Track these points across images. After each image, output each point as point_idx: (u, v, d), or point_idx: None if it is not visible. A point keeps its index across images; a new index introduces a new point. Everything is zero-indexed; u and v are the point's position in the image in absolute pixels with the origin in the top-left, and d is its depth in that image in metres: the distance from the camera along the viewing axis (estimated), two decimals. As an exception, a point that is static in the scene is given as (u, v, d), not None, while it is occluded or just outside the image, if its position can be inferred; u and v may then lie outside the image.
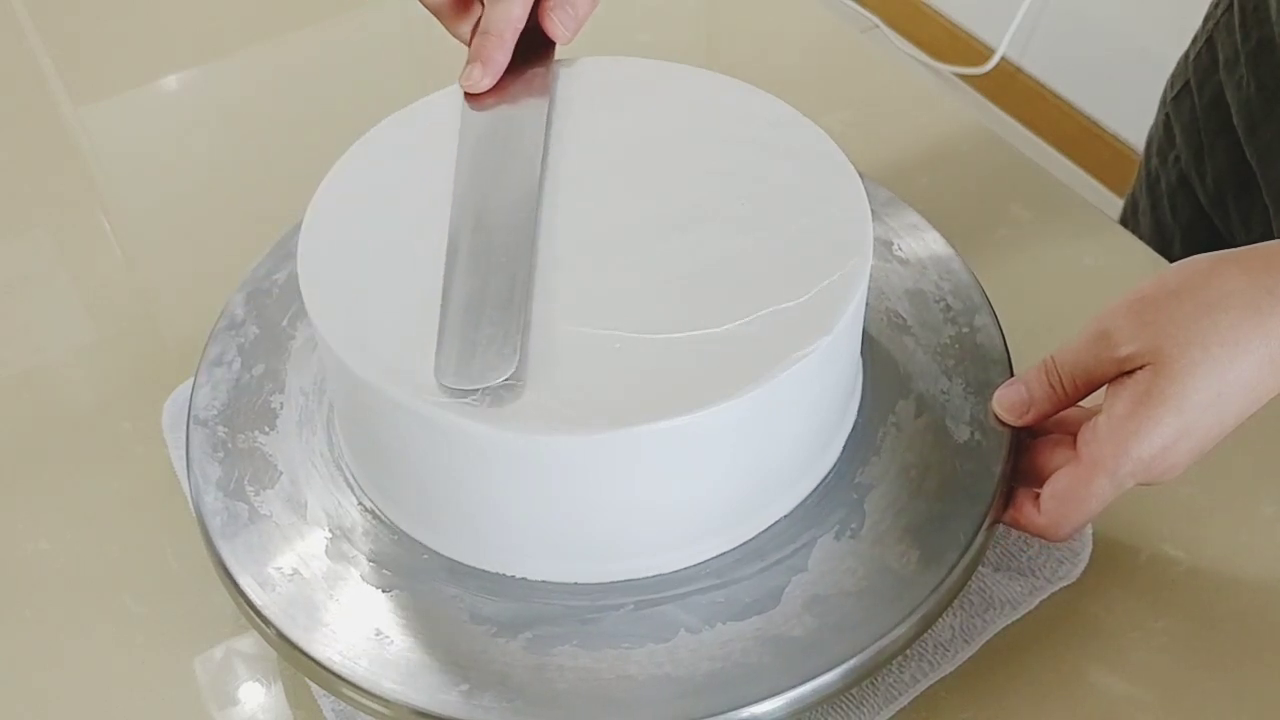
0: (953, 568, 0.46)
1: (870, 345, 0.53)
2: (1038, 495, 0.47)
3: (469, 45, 0.53)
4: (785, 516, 0.48)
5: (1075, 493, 0.45)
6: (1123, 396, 0.44)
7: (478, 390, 0.42)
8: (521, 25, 0.52)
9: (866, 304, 0.48)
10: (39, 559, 0.57)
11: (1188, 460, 0.45)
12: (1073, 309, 0.63)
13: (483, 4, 0.53)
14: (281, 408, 0.52)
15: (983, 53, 1.92)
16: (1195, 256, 0.46)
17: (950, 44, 1.98)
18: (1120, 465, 0.44)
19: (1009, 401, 0.49)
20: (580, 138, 0.51)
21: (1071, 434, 0.47)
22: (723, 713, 0.42)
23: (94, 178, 0.79)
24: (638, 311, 0.44)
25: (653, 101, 0.53)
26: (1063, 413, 0.48)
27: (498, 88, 0.52)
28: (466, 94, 0.52)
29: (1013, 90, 1.90)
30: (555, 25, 0.53)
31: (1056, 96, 1.85)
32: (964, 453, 0.49)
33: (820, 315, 0.44)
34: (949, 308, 0.54)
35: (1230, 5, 0.70)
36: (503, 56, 0.52)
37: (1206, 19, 0.73)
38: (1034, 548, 0.53)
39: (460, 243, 0.46)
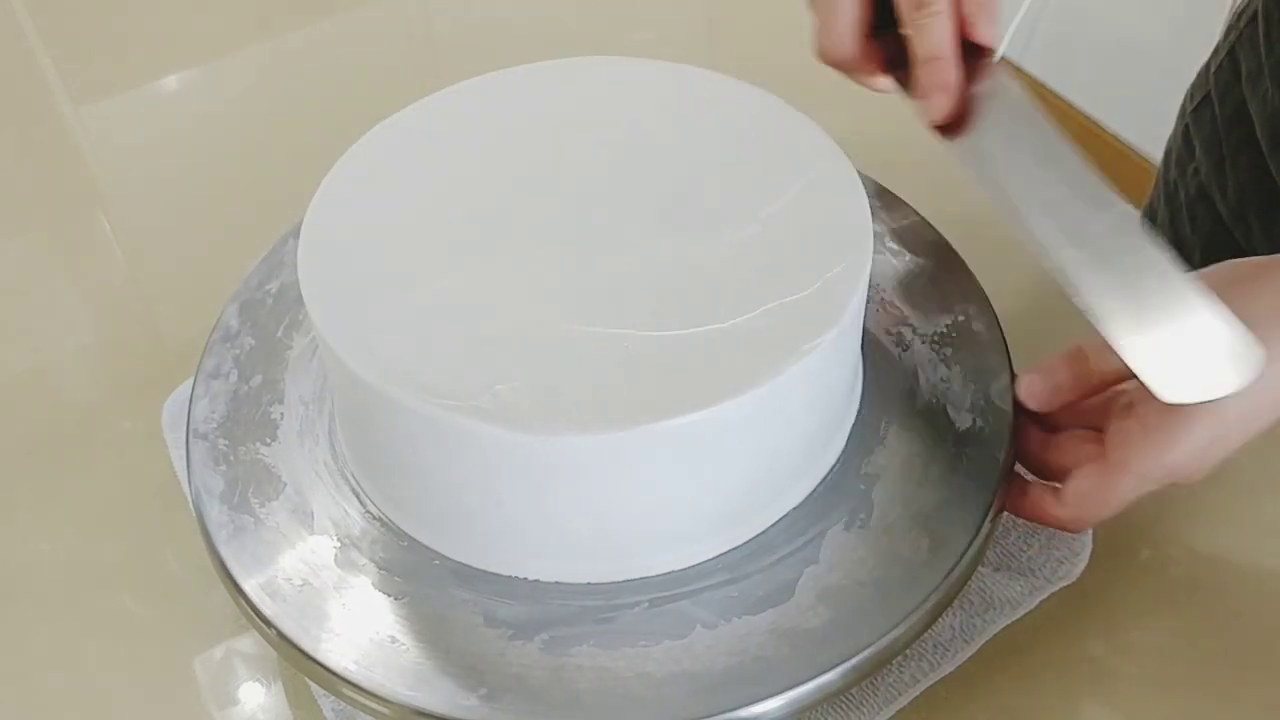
0: (963, 554, 0.46)
1: (869, 338, 0.53)
2: (1055, 489, 0.47)
3: (904, 89, 0.49)
4: (794, 509, 0.48)
5: (1101, 492, 0.45)
6: (1155, 402, 0.43)
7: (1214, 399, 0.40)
8: (957, 39, 0.48)
9: (866, 299, 0.48)
10: (39, 559, 0.57)
11: (1215, 463, 0.44)
12: (1072, 308, 0.63)
13: (876, 40, 0.50)
14: (282, 418, 0.52)
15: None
16: (1233, 260, 0.46)
17: (950, 44, 1.98)
18: (1150, 470, 0.44)
19: (1034, 388, 0.49)
20: (582, 138, 0.51)
21: (1094, 427, 0.47)
22: (745, 706, 0.42)
23: (94, 178, 0.79)
24: (643, 310, 0.44)
25: (653, 101, 0.53)
26: (1086, 402, 0.48)
27: (966, 109, 0.48)
28: (938, 129, 0.48)
29: (1013, 90, 1.90)
30: (984, 30, 0.48)
31: (1056, 96, 1.85)
32: (967, 439, 0.49)
33: (826, 308, 0.44)
34: (944, 297, 0.54)
35: (1254, 17, 0.69)
36: (957, 75, 0.48)
37: (1229, 30, 0.72)
38: (1034, 547, 0.53)
39: (1067, 256, 0.44)
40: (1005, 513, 0.49)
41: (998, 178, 0.46)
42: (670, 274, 0.46)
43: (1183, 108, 0.77)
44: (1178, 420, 0.43)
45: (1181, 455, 0.43)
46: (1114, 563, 0.53)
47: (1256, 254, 0.71)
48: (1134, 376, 0.45)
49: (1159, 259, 0.43)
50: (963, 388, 0.51)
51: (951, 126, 0.48)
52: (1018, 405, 0.50)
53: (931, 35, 0.47)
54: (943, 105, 0.47)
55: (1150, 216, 0.83)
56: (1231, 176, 0.73)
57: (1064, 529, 0.47)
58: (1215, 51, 0.74)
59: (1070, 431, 0.49)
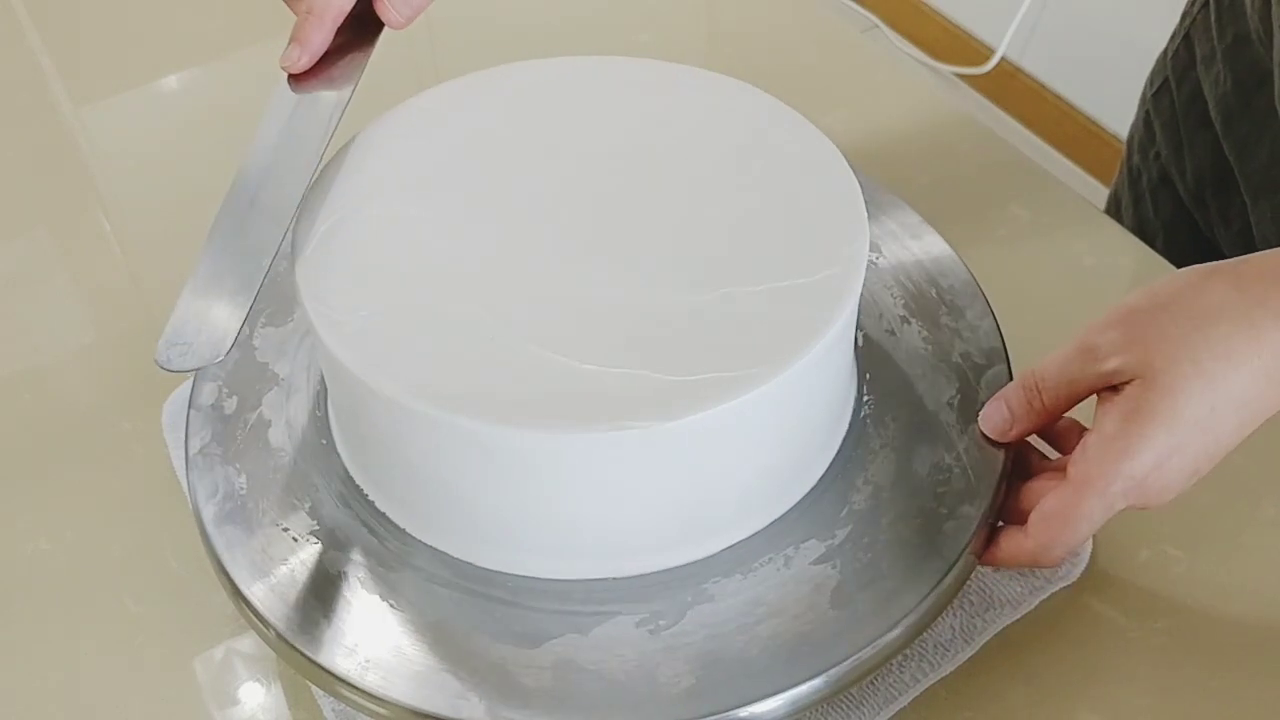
0: (963, 553, 0.46)
1: (868, 342, 0.53)
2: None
3: None
4: (793, 509, 0.48)
5: (1063, 513, 0.44)
6: (1112, 414, 0.43)
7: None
8: (346, 7, 0.50)
9: (864, 301, 0.48)
10: (39, 559, 0.57)
11: (1181, 480, 0.44)
12: (1071, 308, 0.63)
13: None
14: (281, 418, 0.52)
15: (983, 53, 1.92)
16: (1186, 269, 0.46)
17: (950, 44, 1.99)
18: (1110, 484, 0.43)
19: (991, 421, 0.49)
20: (581, 137, 0.51)
21: (1061, 469, 0.46)
22: (745, 706, 0.42)
23: (94, 178, 0.79)
24: (642, 309, 0.44)
25: (653, 101, 0.53)
26: (1056, 428, 0.48)
27: (318, 68, 0.50)
28: (288, 74, 0.50)
29: (1013, 90, 1.90)
30: (388, 10, 0.51)
31: (1056, 96, 1.85)
32: (967, 440, 0.49)
33: (822, 309, 0.44)
34: (944, 302, 0.54)
35: (1206, 3, 0.71)
36: (321, 38, 0.50)
37: (1184, 17, 0.74)
38: (1034, 547, 0.53)
39: (231, 218, 0.47)
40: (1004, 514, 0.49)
41: (268, 126, 0.49)
42: (669, 273, 0.46)
43: (1143, 94, 0.79)
44: (1133, 428, 0.43)
45: (1140, 466, 0.43)
46: (1114, 563, 0.53)
47: (1215, 236, 0.73)
48: (1083, 399, 0.45)
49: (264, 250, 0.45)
50: (963, 389, 0.51)
51: (301, 76, 0.50)
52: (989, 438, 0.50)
53: None
54: (293, 56, 0.50)
55: (1115, 203, 0.84)
56: (1190, 158, 0.74)
57: (1036, 564, 0.46)
58: (1172, 37, 0.75)
59: (1036, 478, 0.48)
